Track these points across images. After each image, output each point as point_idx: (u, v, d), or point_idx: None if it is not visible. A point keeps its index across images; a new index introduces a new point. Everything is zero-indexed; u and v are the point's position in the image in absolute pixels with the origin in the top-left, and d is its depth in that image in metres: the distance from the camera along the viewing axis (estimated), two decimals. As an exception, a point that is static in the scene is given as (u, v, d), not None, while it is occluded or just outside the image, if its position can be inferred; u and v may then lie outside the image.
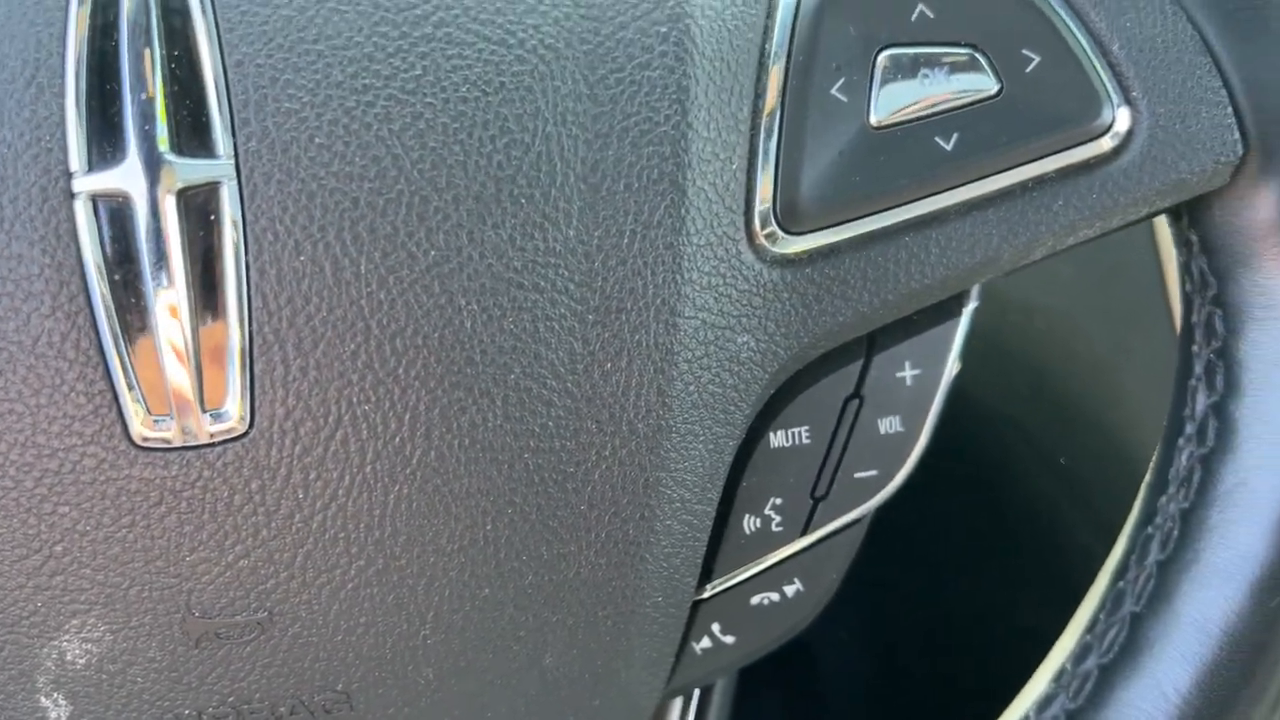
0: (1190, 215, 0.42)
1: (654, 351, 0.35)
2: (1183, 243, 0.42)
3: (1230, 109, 0.39)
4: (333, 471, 0.34)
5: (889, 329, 0.40)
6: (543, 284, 0.34)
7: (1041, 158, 0.38)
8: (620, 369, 0.35)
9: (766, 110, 0.37)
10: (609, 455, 0.36)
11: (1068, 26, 0.38)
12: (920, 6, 0.38)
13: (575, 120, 0.34)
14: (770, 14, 0.37)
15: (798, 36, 0.37)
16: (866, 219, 0.37)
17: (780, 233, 0.37)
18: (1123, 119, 0.39)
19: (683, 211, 0.35)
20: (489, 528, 0.35)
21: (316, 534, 0.34)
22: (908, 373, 0.41)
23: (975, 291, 0.41)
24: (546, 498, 0.35)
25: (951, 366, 0.41)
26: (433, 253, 0.33)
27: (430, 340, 0.34)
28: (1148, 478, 0.44)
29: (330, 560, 0.35)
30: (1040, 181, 0.38)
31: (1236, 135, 0.39)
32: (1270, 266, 0.40)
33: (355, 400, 0.33)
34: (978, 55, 0.38)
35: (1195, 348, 0.42)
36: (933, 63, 0.38)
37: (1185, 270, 0.43)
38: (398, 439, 0.34)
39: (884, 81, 0.37)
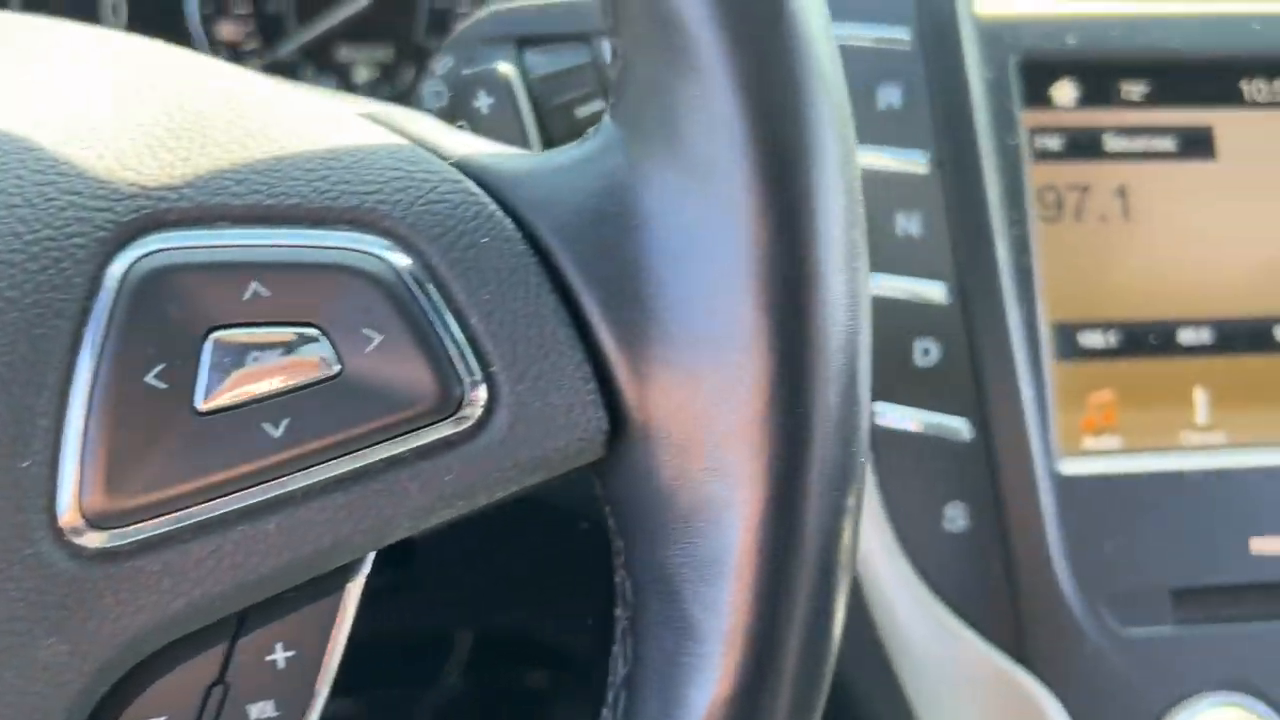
0: (601, 479, 0.40)
1: None
2: (603, 504, 0.41)
3: (594, 384, 0.38)
4: None
5: (259, 609, 0.38)
6: None
7: (389, 439, 0.37)
8: None
9: (73, 402, 0.35)
10: None
11: (417, 301, 0.37)
12: (254, 285, 0.36)
13: None
14: (91, 295, 0.35)
15: (115, 320, 0.35)
16: (192, 509, 0.35)
17: (91, 529, 0.34)
18: (479, 397, 0.37)
19: None
20: None
21: None
22: (280, 655, 0.38)
23: (368, 560, 0.39)
24: None
25: (337, 644, 0.39)
26: None
27: None
28: None
29: None
30: (393, 463, 0.37)
31: (601, 411, 0.38)
32: (656, 541, 0.38)
33: None
34: (318, 335, 0.36)
35: (617, 612, 0.41)
36: (265, 344, 0.36)
37: (609, 530, 0.41)
38: None
39: (212, 365, 0.36)
